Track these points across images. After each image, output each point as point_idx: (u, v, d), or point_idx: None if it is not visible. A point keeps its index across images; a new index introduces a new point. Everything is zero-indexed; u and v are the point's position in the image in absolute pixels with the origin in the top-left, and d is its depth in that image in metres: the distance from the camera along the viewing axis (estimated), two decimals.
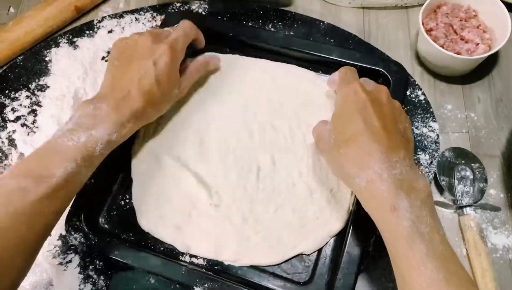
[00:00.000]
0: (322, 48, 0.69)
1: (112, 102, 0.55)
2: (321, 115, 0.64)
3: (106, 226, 0.64)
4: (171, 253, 0.61)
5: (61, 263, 0.64)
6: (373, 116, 0.50)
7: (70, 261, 0.64)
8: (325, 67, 0.70)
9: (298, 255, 0.60)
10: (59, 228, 0.65)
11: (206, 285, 0.57)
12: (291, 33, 0.75)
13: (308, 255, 0.60)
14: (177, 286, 0.60)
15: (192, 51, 0.69)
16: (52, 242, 0.65)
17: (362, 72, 0.65)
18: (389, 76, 0.65)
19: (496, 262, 0.60)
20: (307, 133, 0.65)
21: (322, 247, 0.60)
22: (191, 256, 0.61)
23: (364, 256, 0.57)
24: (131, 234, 0.63)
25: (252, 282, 0.59)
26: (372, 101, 0.51)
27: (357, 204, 0.58)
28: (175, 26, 0.64)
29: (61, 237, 0.65)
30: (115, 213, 0.65)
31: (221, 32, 0.72)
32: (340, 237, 0.60)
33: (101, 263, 0.63)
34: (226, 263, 0.60)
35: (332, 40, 0.74)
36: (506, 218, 0.63)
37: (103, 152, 0.56)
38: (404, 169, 0.48)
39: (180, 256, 0.61)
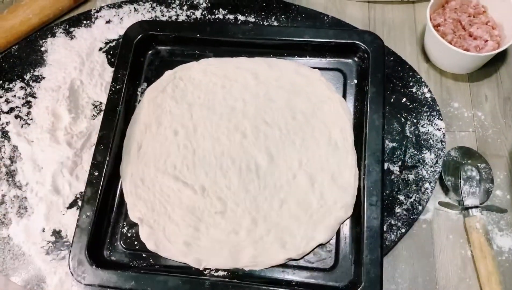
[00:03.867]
0: (294, 32, 0.69)
1: None
2: (314, 101, 0.65)
3: (112, 258, 0.61)
4: (189, 271, 0.59)
5: (54, 260, 0.62)
6: None
7: (63, 257, 0.62)
8: (300, 50, 0.69)
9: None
10: (53, 223, 0.64)
11: None
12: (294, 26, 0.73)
13: (325, 244, 0.59)
14: None
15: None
16: (45, 238, 0.63)
17: (339, 49, 0.67)
18: (366, 47, 0.65)
19: (501, 265, 0.59)
20: (304, 122, 0.65)
21: (339, 229, 0.59)
22: (210, 269, 0.59)
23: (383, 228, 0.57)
24: (141, 261, 0.60)
25: (279, 279, 0.58)
26: None
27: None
28: None
29: (54, 232, 0.63)
30: (119, 242, 0.61)
31: (187, 36, 0.70)
32: (356, 214, 0.59)
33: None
34: (246, 269, 0.58)
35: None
36: None
37: None
38: None
39: (199, 272, 0.58)
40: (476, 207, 0.60)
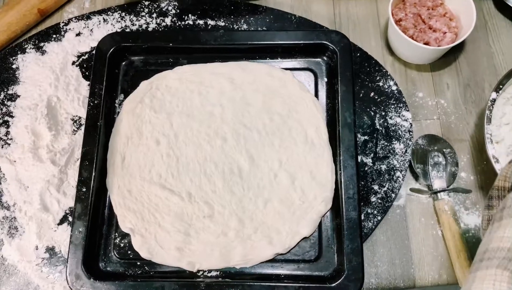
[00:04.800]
0: (264, 36, 0.71)
1: None
2: (288, 102, 0.68)
3: (108, 269, 0.63)
4: (183, 274, 0.62)
5: (51, 276, 0.64)
6: None
7: (60, 272, 0.64)
8: (271, 52, 0.72)
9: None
10: (45, 240, 0.65)
11: None
12: (264, 28, 0.75)
13: (309, 237, 0.63)
14: None
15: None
16: (39, 255, 0.65)
17: (308, 49, 0.70)
18: (334, 47, 0.69)
19: (469, 241, 0.64)
20: (281, 123, 0.68)
21: (320, 222, 0.64)
22: (203, 271, 0.62)
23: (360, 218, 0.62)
24: (136, 269, 0.63)
25: (269, 274, 0.62)
26: None
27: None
28: None
29: (48, 249, 0.65)
30: (113, 253, 0.64)
31: (160, 45, 0.72)
32: (335, 206, 0.63)
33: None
34: (238, 267, 0.62)
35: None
36: (477, 199, 0.67)
37: None
38: None
39: (193, 275, 0.62)
40: (443, 190, 0.65)
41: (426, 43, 0.68)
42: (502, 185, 0.50)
